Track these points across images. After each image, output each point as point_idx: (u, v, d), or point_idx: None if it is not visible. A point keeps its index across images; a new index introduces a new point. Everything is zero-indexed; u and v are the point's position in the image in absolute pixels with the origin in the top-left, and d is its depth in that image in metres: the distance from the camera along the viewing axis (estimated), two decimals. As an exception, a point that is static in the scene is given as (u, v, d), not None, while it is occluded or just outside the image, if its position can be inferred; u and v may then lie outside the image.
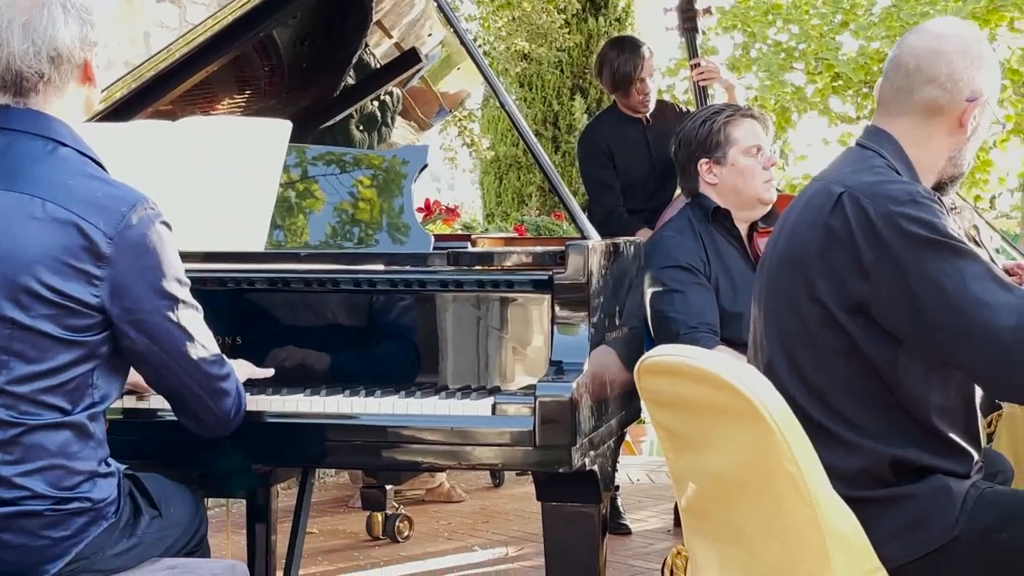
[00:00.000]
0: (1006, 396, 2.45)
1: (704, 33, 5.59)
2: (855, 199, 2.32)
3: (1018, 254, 3.63)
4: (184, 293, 2.49)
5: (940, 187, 2.51)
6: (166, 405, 2.70)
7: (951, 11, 9.01)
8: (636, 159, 5.24)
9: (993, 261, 2.80)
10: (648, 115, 5.30)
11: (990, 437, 4.20)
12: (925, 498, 2.31)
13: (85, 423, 2.39)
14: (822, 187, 2.43)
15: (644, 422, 5.46)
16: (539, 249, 3.08)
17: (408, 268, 3.04)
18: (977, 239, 2.81)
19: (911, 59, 2.47)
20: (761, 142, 3.68)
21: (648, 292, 3.57)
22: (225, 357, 2.61)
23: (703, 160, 3.70)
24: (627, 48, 5.24)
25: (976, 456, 2.43)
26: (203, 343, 2.53)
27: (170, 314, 2.45)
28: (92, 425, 2.41)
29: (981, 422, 2.49)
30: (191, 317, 2.50)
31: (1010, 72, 9.56)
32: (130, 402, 2.93)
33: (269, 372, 2.93)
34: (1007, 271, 2.91)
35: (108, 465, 2.47)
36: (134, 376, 2.64)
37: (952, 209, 2.72)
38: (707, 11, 5.38)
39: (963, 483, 2.35)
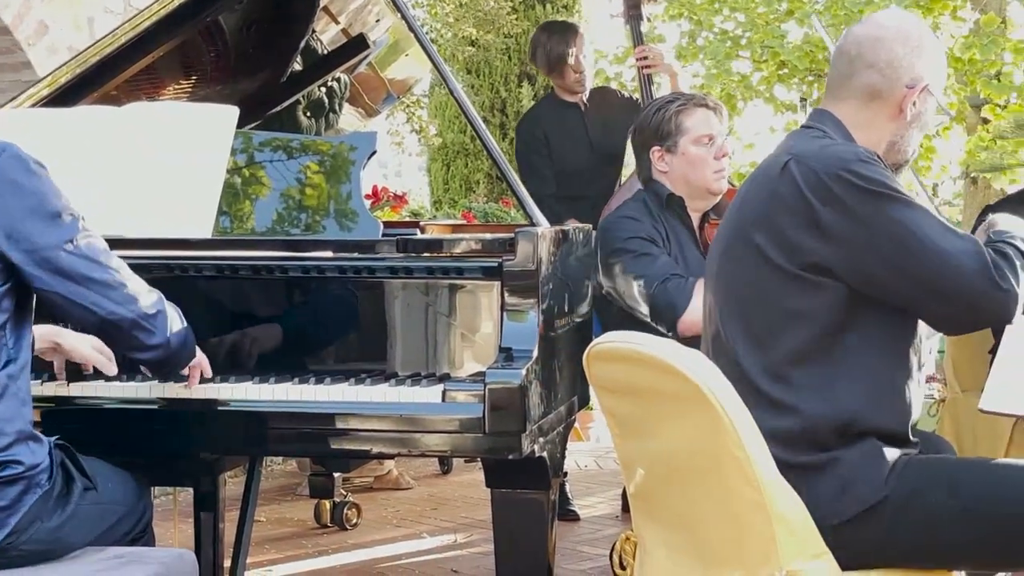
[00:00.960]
0: (968, 331, 2.63)
1: (649, 20, 5.60)
2: (802, 162, 2.39)
3: None
4: (79, 224, 2.50)
5: None
6: (104, 392, 2.70)
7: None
8: (574, 145, 5.24)
9: None
10: (586, 100, 5.31)
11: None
12: (857, 461, 2.36)
13: (6, 382, 2.41)
14: (769, 160, 2.50)
15: (592, 408, 5.47)
16: (488, 236, 3.08)
17: (357, 255, 3.03)
18: None
19: (853, 46, 2.54)
20: (713, 132, 3.69)
21: (611, 262, 3.56)
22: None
23: (655, 148, 3.72)
24: (558, 29, 5.28)
25: (914, 419, 2.49)
26: (115, 267, 2.53)
27: (70, 244, 2.47)
28: (13, 385, 2.42)
29: (923, 400, 2.56)
30: (95, 244, 2.52)
31: (953, 60, 9.65)
32: (64, 389, 2.92)
33: (208, 373, 2.91)
34: None
35: (37, 430, 2.47)
36: (85, 351, 2.64)
37: None
38: (651, -1, 5.40)
39: (896, 451, 2.40)
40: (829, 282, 2.36)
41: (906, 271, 2.31)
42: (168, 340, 2.61)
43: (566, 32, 5.24)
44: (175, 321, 2.64)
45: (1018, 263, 2.35)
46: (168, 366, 2.72)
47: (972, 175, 10.13)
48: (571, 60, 5.19)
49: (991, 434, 3.89)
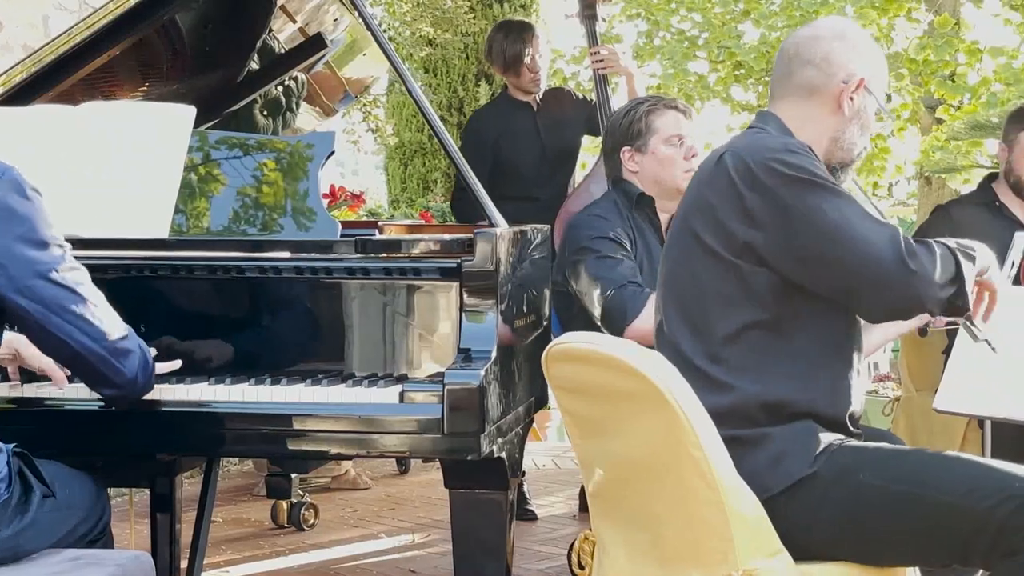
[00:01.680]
0: (886, 318, 2.61)
1: (605, 20, 5.61)
2: (735, 154, 2.48)
3: None
4: (64, 255, 2.49)
5: (831, 173, 2.60)
6: (60, 393, 2.67)
7: (850, 1, 9.14)
8: (525, 145, 5.23)
9: None
10: (539, 100, 5.31)
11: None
12: (789, 437, 2.42)
13: None
14: (709, 155, 2.59)
15: (550, 407, 5.49)
16: (447, 237, 3.08)
17: (315, 255, 3.02)
18: None
19: (792, 46, 2.65)
20: (683, 132, 3.72)
21: (575, 261, 3.57)
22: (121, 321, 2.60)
23: (626, 148, 3.75)
24: (515, 28, 5.27)
25: (855, 403, 2.53)
26: (95, 302, 2.53)
27: (54, 275, 2.46)
28: None
29: (866, 391, 2.59)
30: (78, 278, 2.51)
31: (908, 61, 9.72)
32: (19, 391, 2.89)
33: (176, 364, 2.90)
34: None
35: None
36: (43, 360, 2.62)
37: None
38: (607, -1, 5.41)
39: (832, 435, 2.46)
40: (761, 269, 2.43)
41: (824, 256, 2.38)
42: (135, 379, 2.60)
43: (523, 32, 5.24)
44: (143, 361, 2.63)
45: (939, 253, 2.40)
46: (127, 403, 2.71)
47: (926, 175, 10.20)
48: (527, 60, 5.19)
49: (945, 433, 3.94)
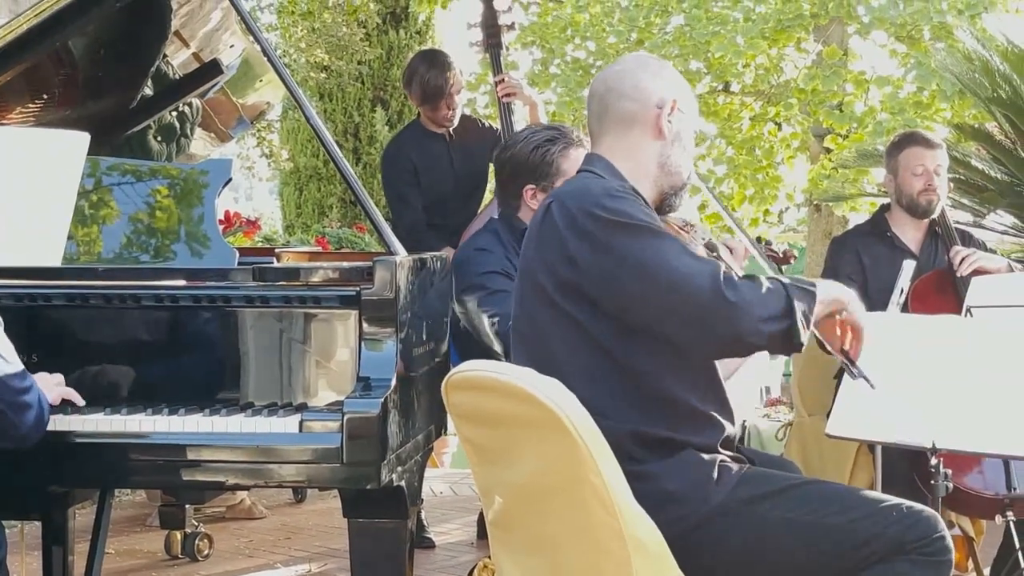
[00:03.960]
0: (706, 353, 2.56)
1: (506, 49, 5.62)
2: (560, 203, 2.54)
3: (761, 259, 3.81)
4: None
5: (666, 200, 2.67)
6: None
7: (740, 31, 9.30)
8: (440, 175, 5.24)
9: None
10: (451, 130, 5.31)
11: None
12: (675, 474, 2.44)
13: None
14: (540, 205, 2.63)
15: (447, 434, 5.49)
16: (346, 265, 3.08)
17: (213, 283, 3.00)
18: (716, 250, 2.94)
19: (600, 85, 2.70)
20: None
21: (465, 299, 3.57)
22: (27, 371, 2.55)
23: (529, 187, 3.71)
24: (438, 63, 5.24)
25: (727, 427, 2.57)
26: (2, 354, 2.47)
27: None
28: None
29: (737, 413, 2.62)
30: None
31: (796, 91, 9.91)
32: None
33: (80, 402, 2.84)
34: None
35: None
36: None
37: (687, 225, 2.84)
38: (510, 27, 5.42)
39: (713, 456, 2.49)
40: (593, 311, 2.47)
41: (645, 295, 2.41)
42: (27, 435, 2.56)
43: (445, 67, 5.20)
44: (39, 416, 2.59)
45: (766, 287, 2.39)
46: (14, 449, 2.65)
47: (816, 203, 10.40)
48: (447, 97, 5.18)
49: (837, 457, 4.00)
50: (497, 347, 3.48)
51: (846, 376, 2.85)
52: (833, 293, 2.49)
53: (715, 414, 2.55)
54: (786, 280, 2.45)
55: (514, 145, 3.82)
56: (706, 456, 2.49)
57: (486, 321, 3.50)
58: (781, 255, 4.40)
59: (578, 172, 2.69)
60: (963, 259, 4.03)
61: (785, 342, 2.40)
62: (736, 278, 2.40)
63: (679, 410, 2.50)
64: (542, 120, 4.91)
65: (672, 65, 2.76)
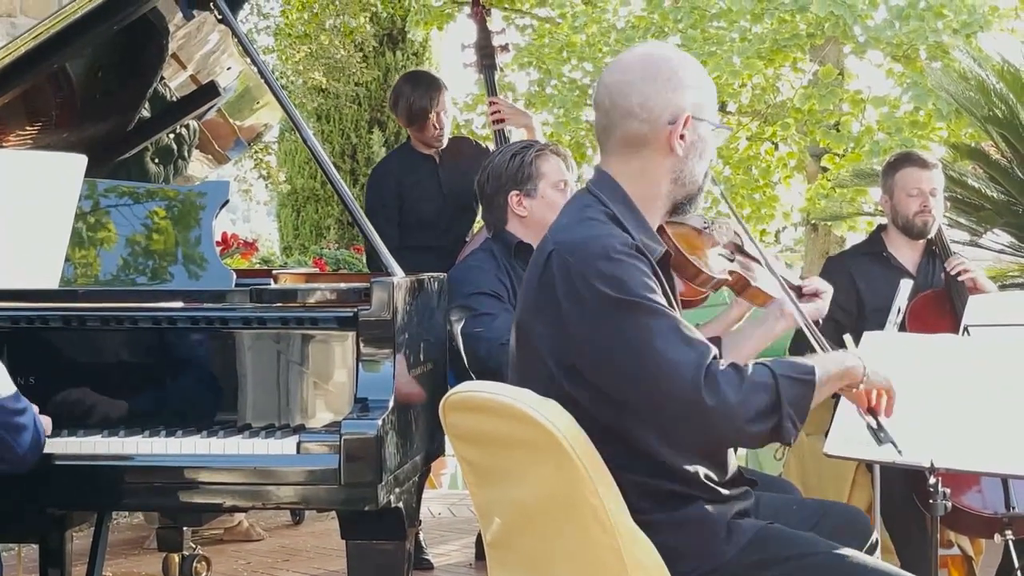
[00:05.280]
0: (680, 443, 2.38)
1: (501, 70, 5.63)
2: (561, 256, 2.34)
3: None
4: None
5: (678, 208, 2.51)
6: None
7: (737, 51, 9.33)
8: (427, 195, 5.23)
9: (771, 270, 2.87)
10: (441, 151, 5.31)
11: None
12: (680, 529, 2.37)
13: None
14: (542, 242, 2.46)
15: (446, 455, 5.48)
16: (343, 286, 3.07)
17: (210, 305, 3.00)
18: (742, 248, 2.89)
19: (605, 97, 2.45)
20: (567, 178, 3.75)
21: (456, 318, 3.58)
22: (20, 394, 2.54)
23: (513, 192, 3.73)
24: (423, 83, 5.24)
25: (731, 464, 2.50)
26: None
27: None
28: None
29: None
30: None
31: (793, 111, 9.94)
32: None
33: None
34: (798, 288, 2.98)
35: None
36: None
37: (706, 228, 2.79)
38: (504, 48, 5.43)
39: (722, 510, 2.42)
40: (596, 394, 2.35)
41: (627, 374, 2.26)
42: (24, 457, 2.56)
43: (430, 87, 5.20)
44: (35, 438, 2.58)
45: (749, 383, 2.22)
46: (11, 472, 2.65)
47: (813, 222, 10.41)
48: (432, 117, 5.17)
49: (835, 476, 4.00)
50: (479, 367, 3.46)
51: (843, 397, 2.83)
52: (840, 368, 2.36)
53: (711, 472, 2.44)
54: (779, 369, 2.27)
55: (491, 162, 3.86)
56: (714, 509, 2.40)
57: (471, 343, 3.50)
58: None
59: (585, 188, 2.51)
60: (962, 268, 4.06)
61: (774, 439, 2.26)
62: (719, 372, 2.21)
63: (673, 472, 2.39)
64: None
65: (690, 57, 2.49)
